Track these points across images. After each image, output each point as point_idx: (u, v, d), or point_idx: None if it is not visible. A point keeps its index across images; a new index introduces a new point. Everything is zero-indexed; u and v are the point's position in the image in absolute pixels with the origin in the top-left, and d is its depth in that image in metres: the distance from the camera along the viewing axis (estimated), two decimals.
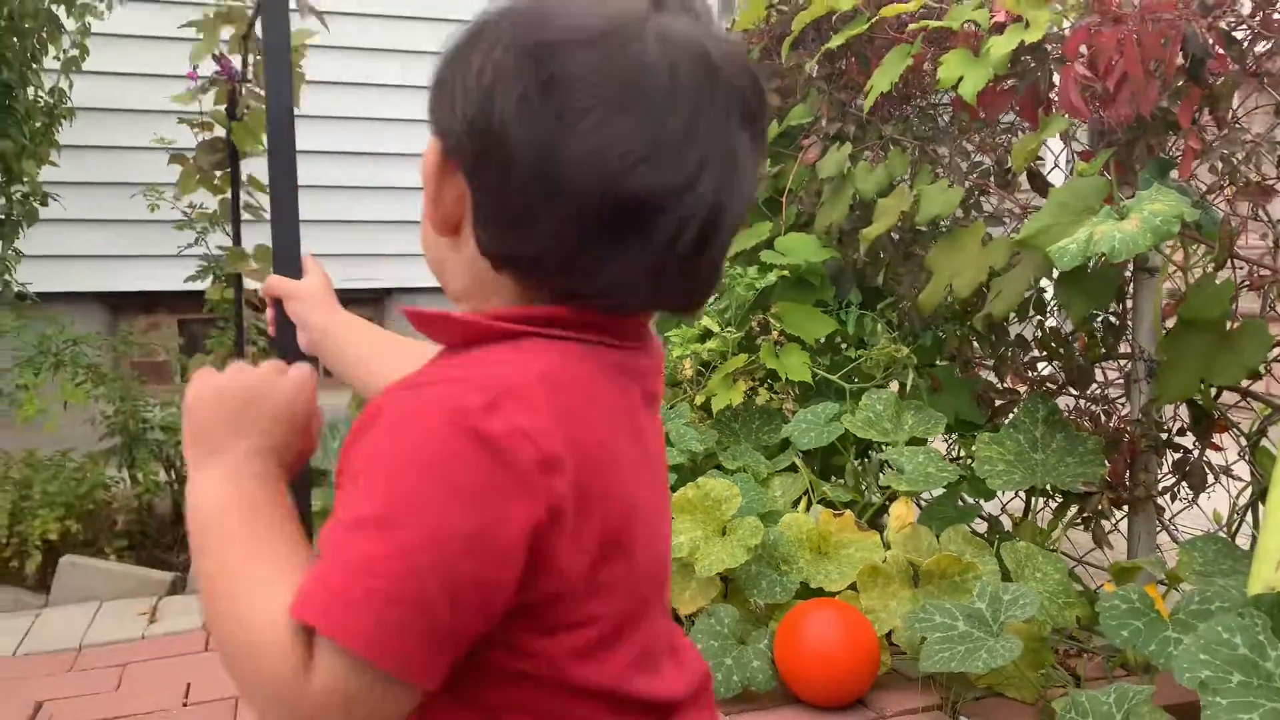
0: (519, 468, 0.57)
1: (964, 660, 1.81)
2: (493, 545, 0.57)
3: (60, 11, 2.78)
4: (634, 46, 0.60)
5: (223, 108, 2.52)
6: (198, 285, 3.83)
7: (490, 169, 0.62)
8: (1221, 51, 1.84)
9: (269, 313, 1.04)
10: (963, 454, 2.65)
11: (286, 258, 1.00)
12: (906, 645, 2.03)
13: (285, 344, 1.01)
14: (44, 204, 2.84)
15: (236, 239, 2.62)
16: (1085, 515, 2.24)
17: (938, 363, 2.73)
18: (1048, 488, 2.25)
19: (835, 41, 2.79)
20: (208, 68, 2.48)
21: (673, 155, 0.60)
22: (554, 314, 0.64)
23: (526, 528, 0.57)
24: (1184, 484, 2.13)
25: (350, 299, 4.17)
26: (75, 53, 2.92)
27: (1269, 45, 1.80)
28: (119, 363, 3.13)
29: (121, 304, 3.96)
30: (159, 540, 2.94)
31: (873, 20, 2.70)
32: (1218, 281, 1.90)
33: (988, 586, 1.94)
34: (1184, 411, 2.13)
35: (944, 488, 2.33)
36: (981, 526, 2.54)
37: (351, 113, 4.01)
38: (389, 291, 4.24)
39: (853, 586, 2.12)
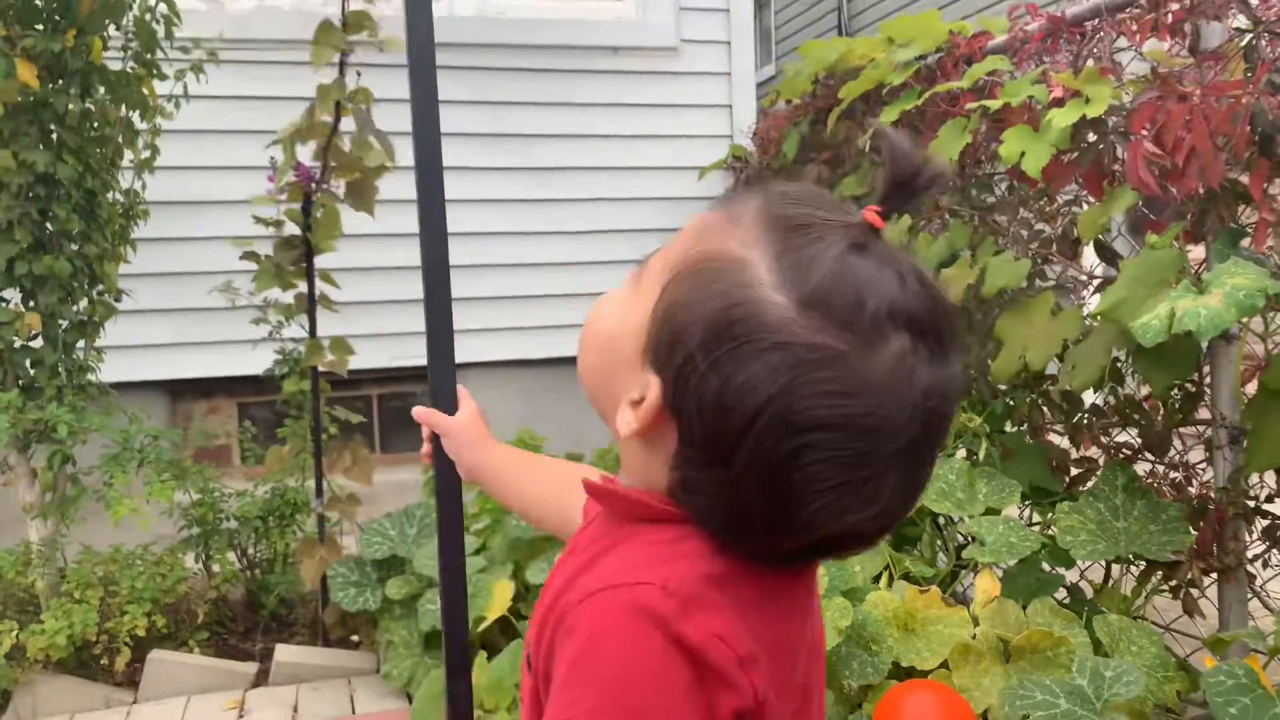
0: (722, 669, 0.60)
1: None
2: None
3: (134, 115, 2.87)
4: (897, 412, 0.60)
5: (298, 205, 2.59)
6: (258, 370, 3.93)
7: (716, 467, 0.62)
8: None
9: (425, 446, 1.08)
10: (1036, 521, 2.64)
11: (443, 393, 1.03)
12: None
13: (443, 475, 1.04)
14: (119, 300, 2.92)
15: (312, 332, 2.68)
16: (1174, 584, 2.23)
17: (1007, 429, 2.74)
18: (1130, 556, 2.24)
19: (889, 114, 2.85)
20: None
21: (885, 509, 0.62)
22: None
23: (733, 714, 0.61)
24: (1275, 550, 2.11)
25: (400, 376, 4.25)
26: (148, 154, 3.02)
27: None
28: (185, 448, 3.19)
29: (181, 390, 4.04)
30: (234, 630, 2.97)
31: (925, 95, 2.75)
32: None
33: (1087, 662, 1.93)
34: (1269, 478, 2.12)
35: (1024, 558, 2.33)
36: (1061, 594, 2.53)
37: (406, 194, 4.10)
38: None
39: (944, 664, 2.11)
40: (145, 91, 2.80)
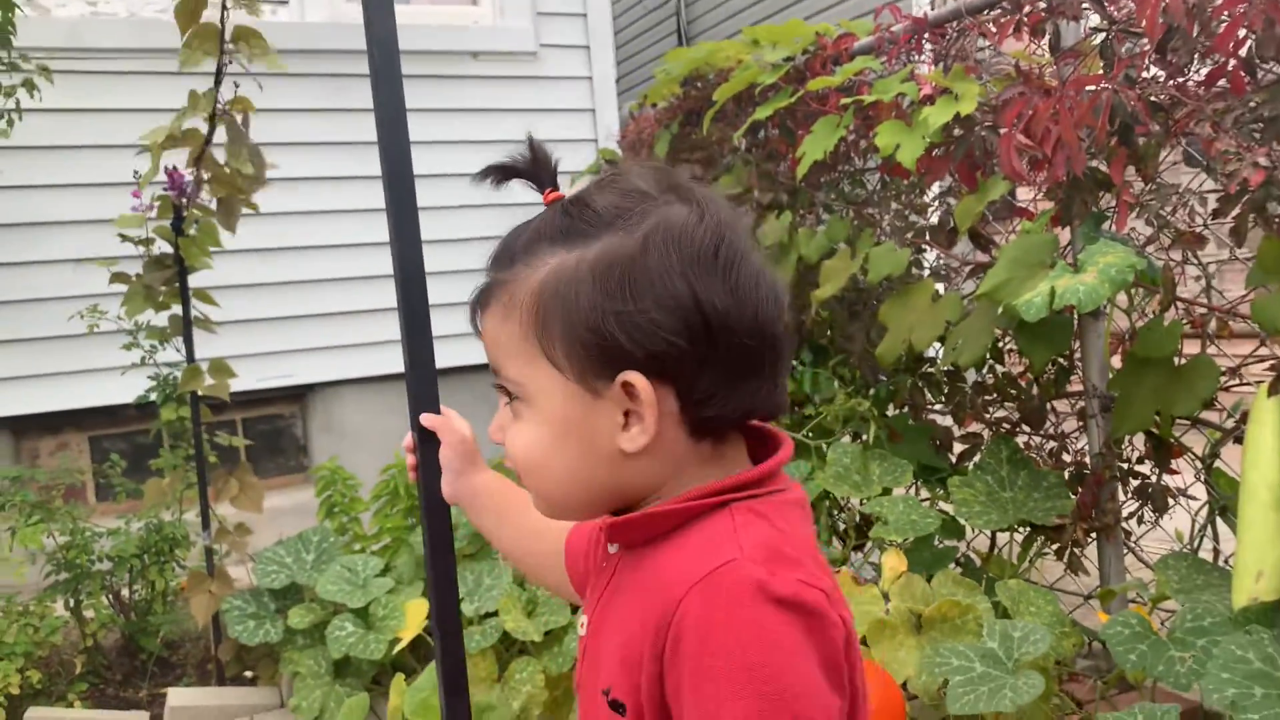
0: (818, 609, 0.65)
1: (990, 700, 1.90)
2: (838, 666, 0.66)
3: None
4: (729, 219, 0.74)
5: (167, 221, 2.45)
6: (110, 400, 3.68)
7: (719, 351, 0.70)
8: (1144, 116, 2.04)
9: (409, 459, 1.05)
10: (926, 497, 2.78)
11: (424, 403, 1.01)
12: (923, 692, 2.11)
13: (431, 487, 1.02)
14: None
15: (190, 356, 2.54)
16: (1058, 546, 2.38)
17: (889, 412, 2.87)
18: (1018, 522, 2.39)
19: (763, 112, 2.93)
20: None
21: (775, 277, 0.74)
22: (741, 479, 0.72)
23: (842, 647, 0.66)
24: (1146, 508, 2.30)
25: (268, 398, 4.08)
26: None
27: (1186, 109, 2.00)
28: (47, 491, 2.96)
29: (25, 427, 3.75)
30: (110, 679, 2.78)
31: (798, 94, 2.85)
32: (1166, 323, 2.08)
33: (995, 626, 2.04)
34: (1139, 441, 2.31)
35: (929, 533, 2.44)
36: (952, 566, 2.67)
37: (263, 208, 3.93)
38: (310, 387, 4.14)
39: (862, 641, 2.19)
40: None
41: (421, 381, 1.00)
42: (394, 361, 4.11)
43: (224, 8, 1.85)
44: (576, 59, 4.40)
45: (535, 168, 0.79)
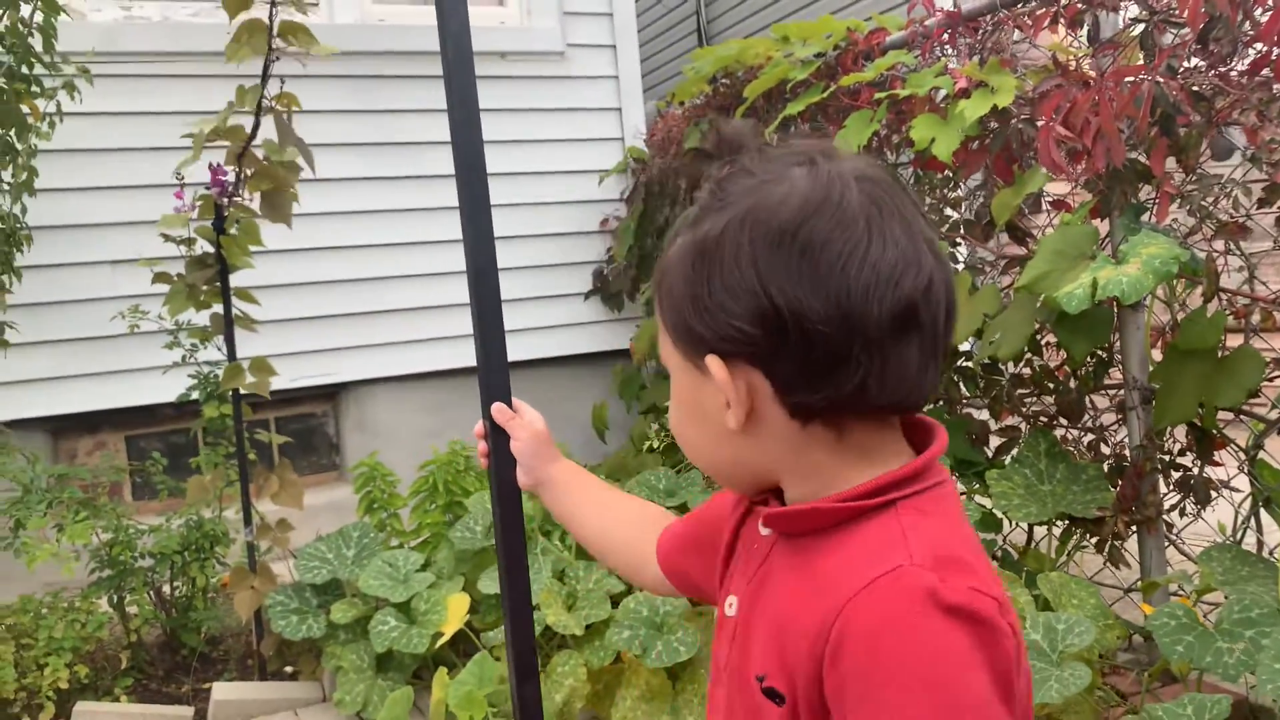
0: (990, 618, 0.63)
1: (1036, 692, 1.90)
2: (1008, 678, 0.64)
3: (11, 134, 2.69)
4: (835, 196, 0.68)
5: (209, 222, 2.48)
6: (147, 399, 3.72)
7: (792, 339, 0.68)
8: (1187, 106, 2.03)
9: (481, 445, 1.06)
10: (963, 492, 2.77)
11: (496, 393, 1.02)
12: None
13: (503, 475, 1.03)
14: (2, 334, 2.72)
15: (231, 354, 2.57)
16: (1099, 539, 2.38)
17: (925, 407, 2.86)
18: (1057, 516, 2.38)
19: (794, 108, 2.94)
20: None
21: (911, 259, 0.68)
22: (903, 474, 0.70)
23: (1014, 657, 0.64)
24: (1188, 500, 2.29)
25: (301, 396, 4.11)
26: (25, 176, 2.83)
27: (1229, 99, 2.00)
28: (92, 488, 2.99)
29: (63, 427, 3.79)
30: (154, 674, 2.81)
31: (830, 89, 2.85)
32: (1209, 314, 2.08)
33: (1039, 618, 2.04)
34: (1179, 433, 2.30)
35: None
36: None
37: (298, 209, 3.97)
38: (342, 386, 4.17)
39: None
40: (26, 109, 2.62)
41: (494, 373, 1.01)
42: (426, 360, 4.14)
43: (273, 3, 1.87)
44: (603, 58, 4.41)
45: (722, 149, 0.77)
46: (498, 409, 1.05)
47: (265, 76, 2.00)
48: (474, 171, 1.05)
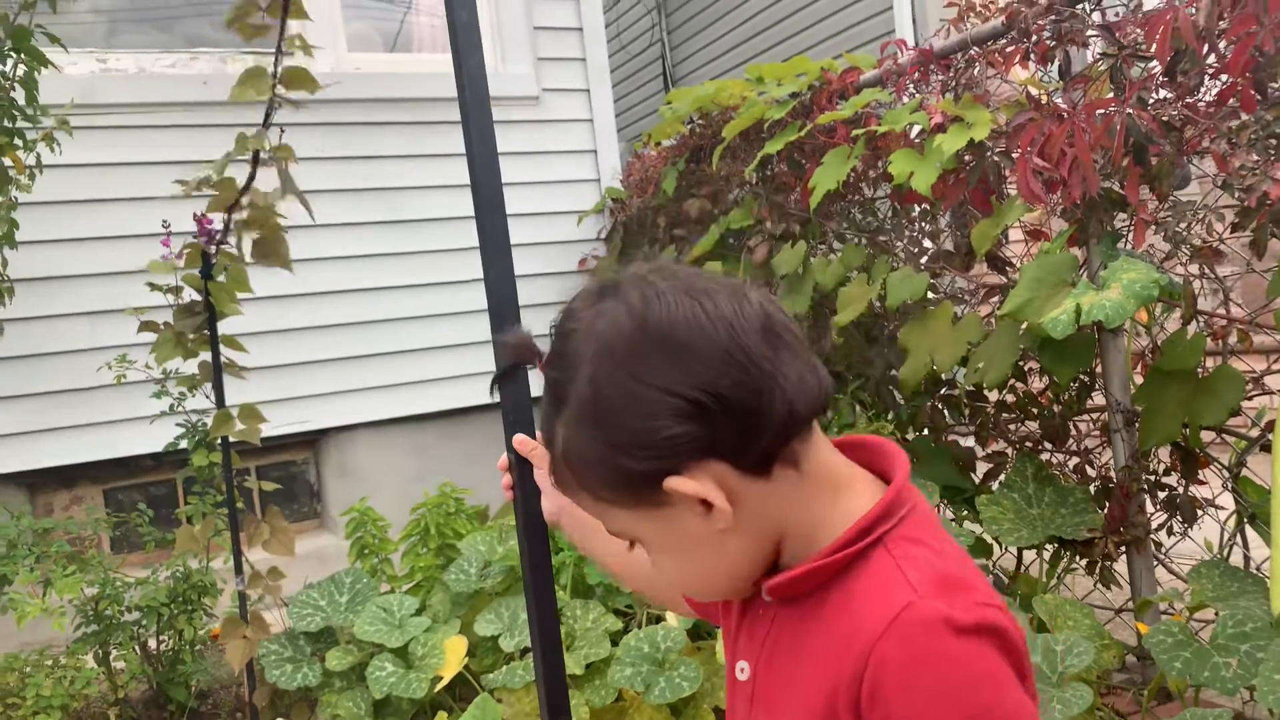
0: (1000, 626, 0.67)
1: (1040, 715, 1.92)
2: (1028, 675, 0.68)
3: None
4: (647, 294, 0.73)
5: (196, 270, 2.48)
6: (124, 452, 3.68)
7: (715, 410, 0.70)
8: (1158, 136, 2.10)
9: (505, 478, 1.07)
10: (952, 518, 2.80)
11: (520, 420, 1.03)
12: None
13: (529, 506, 1.04)
14: None
15: (220, 402, 2.55)
16: (1089, 560, 2.41)
17: (909, 436, 2.90)
18: (1047, 539, 2.42)
19: (773, 146, 2.99)
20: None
21: (727, 292, 0.74)
22: (881, 509, 0.73)
23: (1026, 656, 0.69)
24: (1175, 519, 2.33)
25: (281, 444, 4.08)
26: (3, 228, 2.81)
27: (1198, 129, 2.07)
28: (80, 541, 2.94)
29: (40, 482, 3.73)
30: None
31: (807, 128, 2.91)
32: (1189, 336, 2.13)
33: (1038, 640, 2.06)
34: (1164, 453, 2.35)
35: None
36: None
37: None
38: (323, 432, 4.14)
39: None
40: (8, 161, 2.61)
41: (518, 409, 1.02)
42: (407, 404, 4.13)
43: (279, 50, 1.89)
44: (577, 102, 4.47)
45: (524, 355, 0.84)
46: (520, 440, 1.06)
47: (267, 123, 2.02)
48: (492, 206, 1.08)
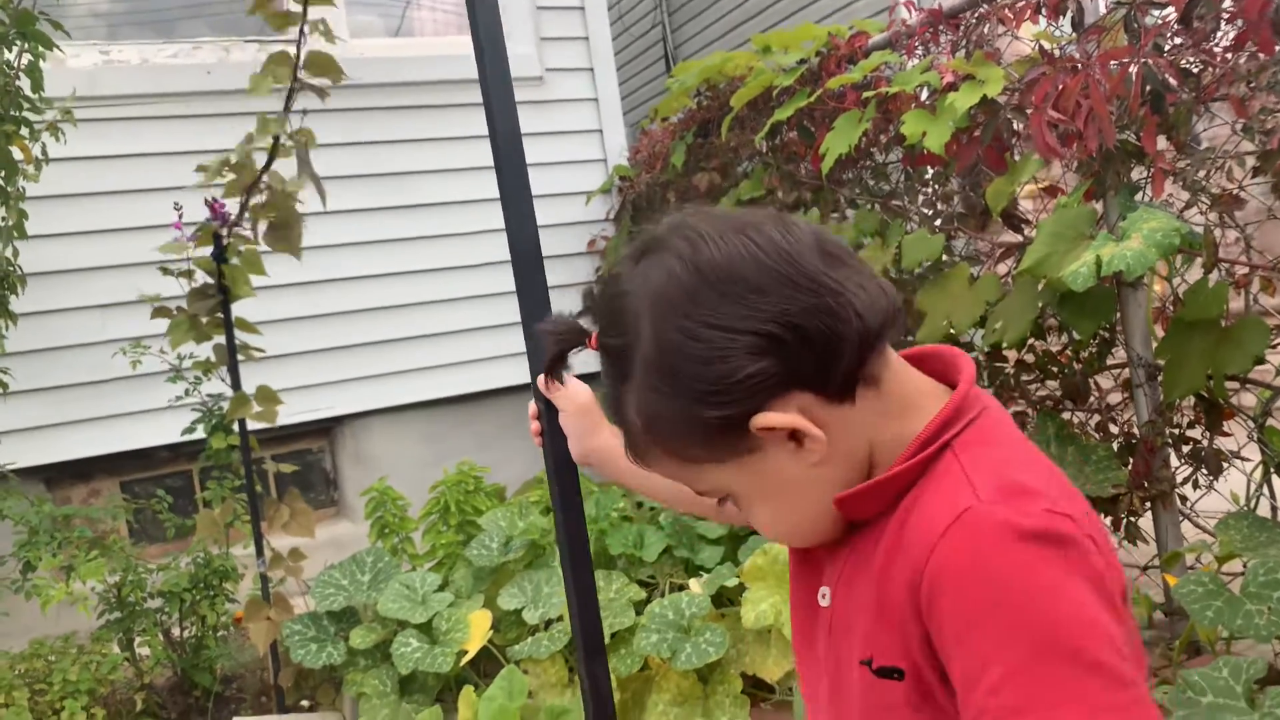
0: (1071, 535, 0.64)
1: None
2: (1107, 591, 0.64)
3: (1, 177, 2.67)
4: (690, 237, 0.72)
5: (208, 252, 2.47)
6: (141, 443, 3.68)
7: (791, 340, 0.69)
8: (1175, 84, 2.08)
9: (534, 424, 1.06)
10: None
11: (540, 361, 1.02)
12: None
13: (556, 452, 1.03)
14: (4, 387, 2.69)
15: (236, 385, 2.55)
16: (1114, 518, 2.39)
17: None
18: None
19: (782, 114, 2.97)
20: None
21: (772, 221, 0.73)
22: (945, 415, 0.71)
23: (1104, 571, 0.65)
24: (1200, 472, 2.31)
25: (296, 433, 4.07)
26: (16, 218, 2.81)
27: (1215, 73, 2.04)
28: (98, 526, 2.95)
29: (57, 475, 3.73)
30: (167, 717, 2.76)
31: (816, 94, 2.89)
32: (1210, 285, 2.11)
33: None
34: (1187, 406, 2.32)
35: None
36: None
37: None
38: (338, 420, 4.14)
39: None
40: (16, 150, 2.61)
41: (539, 347, 1.01)
42: (421, 389, 4.12)
43: (301, 33, 1.88)
44: (581, 81, 4.45)
45: (567, 338, 0.84)
46: (542, 381, 1.05)
47: (288, 108, 2.01)
48: (511, 149, 1.06)
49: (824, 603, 0.78)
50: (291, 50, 1.99)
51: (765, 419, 0.69)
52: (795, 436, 0.70)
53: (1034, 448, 0.74)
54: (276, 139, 2.01)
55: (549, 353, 0.86)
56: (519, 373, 4.17)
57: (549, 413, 1.05)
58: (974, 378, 0.75)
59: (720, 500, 0.79)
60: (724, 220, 0.72)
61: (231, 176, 2.17)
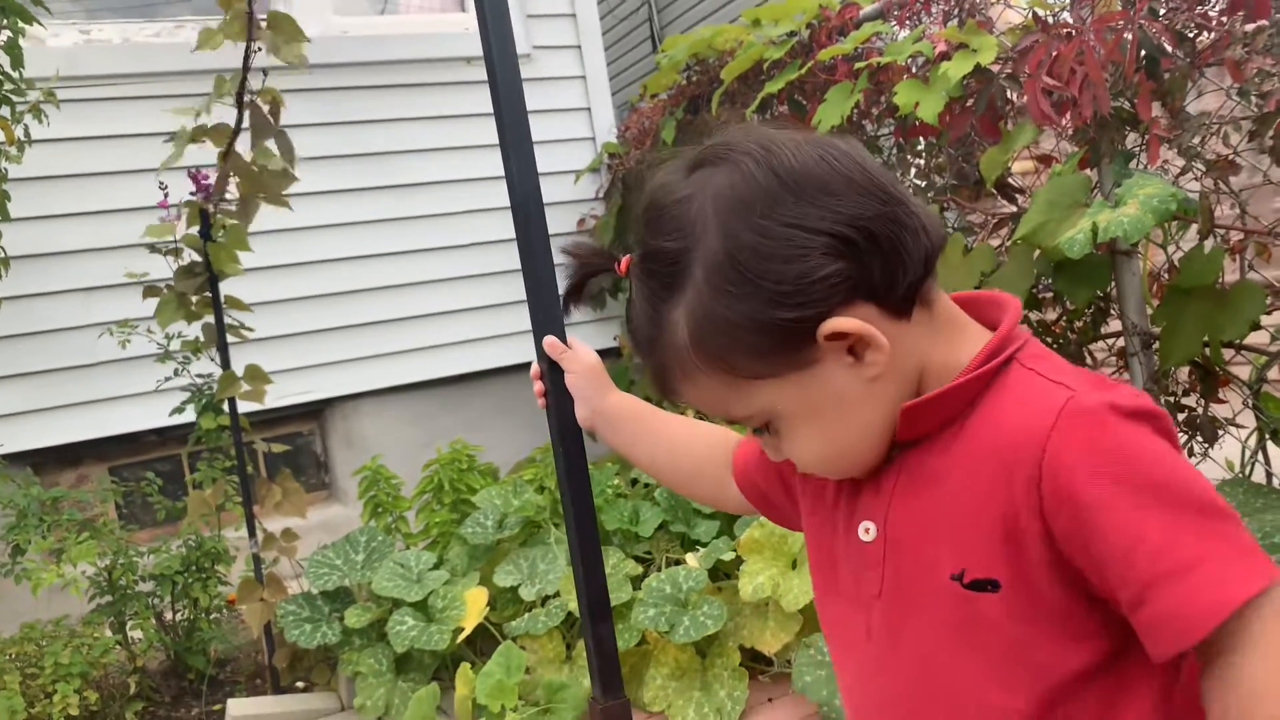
0: (1159, 411, 0.68)
1: None
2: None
3: None
4: (759, 139, 0.73)
5: (195, 230, 2.44)
6: (130, 427, 3.65)
7: (863, 245, 0.69)
8: (1171, 48, 2.06)
9: (538, 385, 1.04)
10: None
11: (548, 322, 1.00)
12: None
13: (562, 416, 1.01)
14: None
15: (225, 363, 2.52)
16: None
17: None
18: None
19: (774, 86, 2.95)
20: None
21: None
22: (1004, 335, 0.72)
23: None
24: (1196, 439, 2.31)
25: (286, 416, 4.04)
26: None
27: (1211, 37, 2.03)
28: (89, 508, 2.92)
29: (43, 461, 3.70)
30: (160, 700, 2.74)
31: (808, 65, 2.87)
32: (1206, 250, 2.10)
33: None
34: (1182, 375, 2.32)
35: None
36: None
37: (269, 225, 3.92)
38: (327, 403, 4.11)
39: None
40: (0, 131, 2.56)
41: (545, 309, 0.99)
42: (410, 371, 4.10)
43: None
44: (569, 59, 4.41)
45: (593, 262, 0.82)
46: (550, 342, 1.03)
47: (246, 65, 1.97)
48: (512, 91, 1.04)
49: (867, 537, 0.77)
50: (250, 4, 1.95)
51: (836, 324, 0.69)
52: (854, 350, 0.70)
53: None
54: (240, 97, 1.97)
55: (573, 278, 0.84)
56: (509, 354, 4.15)
57: (554, 374, 1.03)
58: (1020, 315, 0.75)
59: (756, 430, 0.77)
60: (791, 133, 0.73)
61: (205, 143, 2.13)
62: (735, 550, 2.31)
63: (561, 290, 0.89)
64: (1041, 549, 0.67)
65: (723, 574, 2.42)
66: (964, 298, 0.79)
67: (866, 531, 0.77)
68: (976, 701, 0.70)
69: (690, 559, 2.39)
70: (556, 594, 2.32)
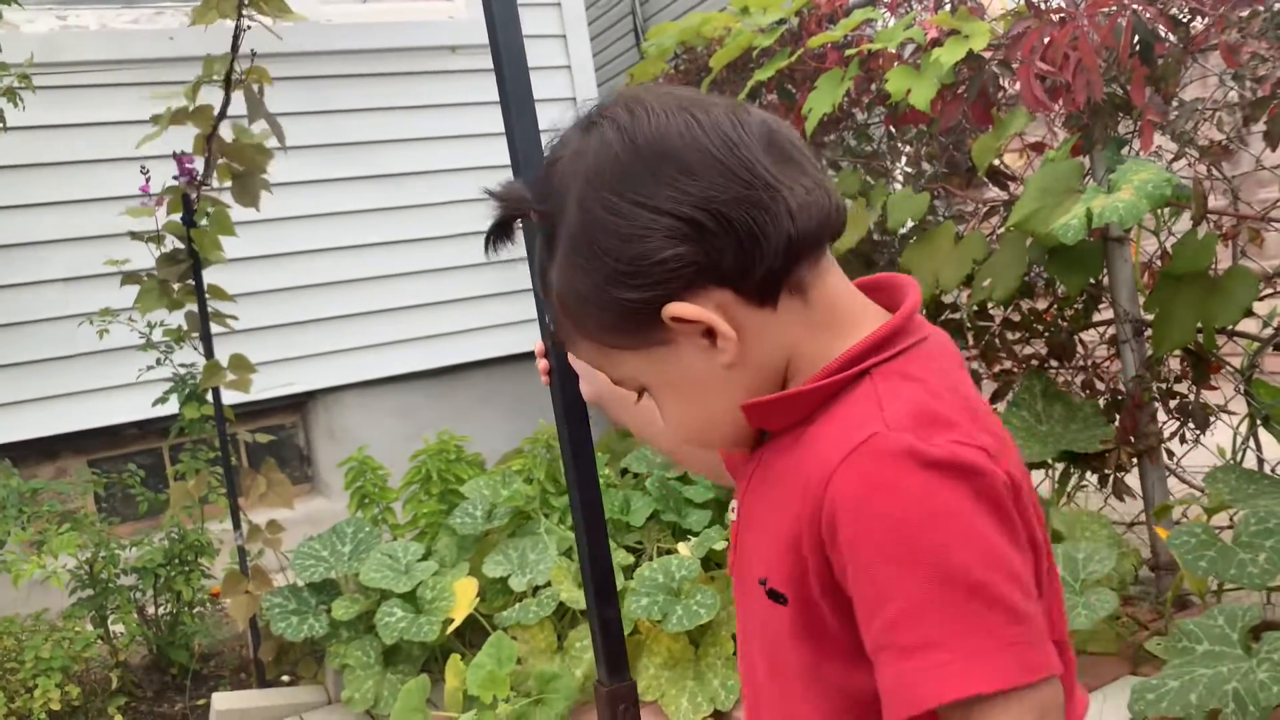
0: (978, 466, 0.61)
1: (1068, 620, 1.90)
2: (1013, 522, 0.61)
3: None
4: (629, 110, 0.69)
5: (178, 216, 2.40)
6: (108, 420, 3.59)
7: (714, 229, 0.65)
8: (1165, 33, 2.06)
9: (542, 363, 1.02)
10: None
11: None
12: None
13: (567, 389, 0.99)
14: None
15: (209, 353, 2.48)
16: (1101, 474, 2.39)
17: None
18: (1059, 454, 2.39)
19: (763, 74, 2.93)
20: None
21: (725, 105, 0.70)
22: (874, 340, 0.68)
23: (1011, 502, 0.62)
24: (1187, 426, 2.31)
25: (268, 408, 4.00)
26: None
27: (1206, 21, 2.03)
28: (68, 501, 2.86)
29: (21, 454, 3.63)
30: (143, 695, 2.69)
31: (797, 53, 2.85)
32: (1200, 236, 2.10)
33: (1058, 550, 2.04)
34: (1174, 362, 2.32)
35: None
36: None
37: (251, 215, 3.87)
38: (310, 395, 4.06)
39: None
40: None
41: None
42: (394, 363, 4.05)
43: None
44: (554, 48, 4.37)
45: (512, 208, 0.75)
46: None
47: (235, 46, 1.93)
48: (516, 64, 1.01)
49: (732, 516, 0.77)
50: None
51: (677, 309, 0.66)
52: (709, 334, 0.67)
53: (970, 384, 0.70)
54: (228, 78, 1.94)
55: (497, 218, 0.77)
56: (493, 346, 4.11)
57: (558, 350, 1.00)
58: (918, 306, 0.71)
59: (639, 395, 0.75)
60: (673, 97, 0.68)
61: (188, 125, 2.09)
62: (727, 540, 2.29)
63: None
64: (820, 577, 0.64)
65: (715, 563, 2.40)
66: (876, 281, 0.75)
67: (733, 512, 0.77)
68: (799, 696, 0.70)
69: (682, 548, 2.37)
70: (547, 584, 2.29)
